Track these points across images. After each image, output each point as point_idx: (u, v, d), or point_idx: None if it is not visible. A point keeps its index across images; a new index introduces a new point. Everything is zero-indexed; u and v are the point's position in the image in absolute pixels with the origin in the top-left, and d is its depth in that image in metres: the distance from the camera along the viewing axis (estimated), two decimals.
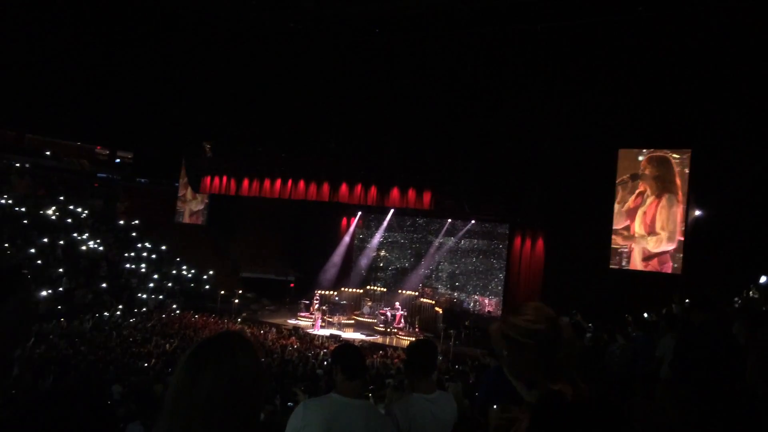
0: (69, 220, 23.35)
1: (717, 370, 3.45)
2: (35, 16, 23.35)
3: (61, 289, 19.12)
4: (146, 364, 13.28)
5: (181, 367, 1.37)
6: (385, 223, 25.97)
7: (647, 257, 17.42)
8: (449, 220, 24.44)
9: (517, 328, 1.88)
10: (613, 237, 18.20)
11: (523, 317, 1.90)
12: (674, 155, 17.56)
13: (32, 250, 20.15)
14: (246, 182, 22.89)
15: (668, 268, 17.25)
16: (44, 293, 18.44)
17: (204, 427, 1.31)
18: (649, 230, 17.49)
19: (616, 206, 18.08)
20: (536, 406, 1.73)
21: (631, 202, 17.83)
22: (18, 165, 24.90)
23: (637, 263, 17.66)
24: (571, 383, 1.80)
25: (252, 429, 1.40)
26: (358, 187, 20.91)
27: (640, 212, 17.68)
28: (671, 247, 17.20)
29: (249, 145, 23.76)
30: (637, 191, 17.92)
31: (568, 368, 1.86)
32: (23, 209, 22.22)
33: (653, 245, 17.40)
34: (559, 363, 1.84)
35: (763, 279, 9.97)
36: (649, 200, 17.56)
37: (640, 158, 18.07)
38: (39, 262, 20.03)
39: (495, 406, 1.86)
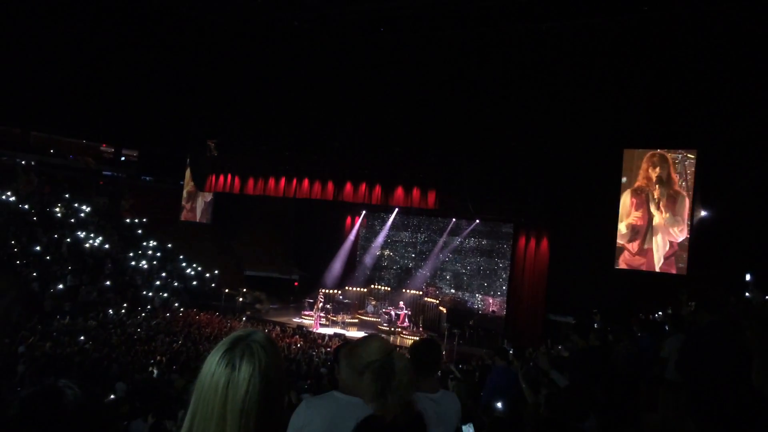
0: (73, 219, 23.41)
1: (723, 371, 3.43)
2: (41, 15, 23.42)
3: (61, 286, 19.15)
4: (152, 361, 13.30)
5: (214, 366, 1.36)
6: (390, 222, 25.97)
7: (667, 256, 17.36)
8: (453, 220, 24.41)
9: (358, 357, 2.29)
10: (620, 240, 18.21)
11: (363, 349, 2.30)
12: (672, 154, 17.54)
13: (38, 248, 20.20)
14: (251, 181, 22.91)
15: (674, 267, 17.24)
16: (49, 290, 18.51)
17: (240, 424, 1.31)
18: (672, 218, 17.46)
19: (631, 220, 17.98)
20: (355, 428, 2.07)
21: (639, 215, 17.71)
22: (23, 163, 24.98)
23: (654, 265, 17.61)
24: (402, 406, 2.11)
25: (279, 424, 1.41)
26: (363, 186, 20.90)
27: (657, 215, 17.64)
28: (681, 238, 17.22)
29: (253, 143, 23.78)
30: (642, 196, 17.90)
31: (402, 393, 2.16)
32: (28, 207, 22.28)
33: (678, 233, 17.33)
34: (393, 389, 2.15)
35: (747, 277, 9.91)
36: (664, 199, 17.47)
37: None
38: (48, 258, 20.08)
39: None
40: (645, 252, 17.66)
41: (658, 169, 17.57)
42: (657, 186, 17.58)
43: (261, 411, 1.34)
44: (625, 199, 17.98)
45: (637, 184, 17.83)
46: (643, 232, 17.61)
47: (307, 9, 20.00)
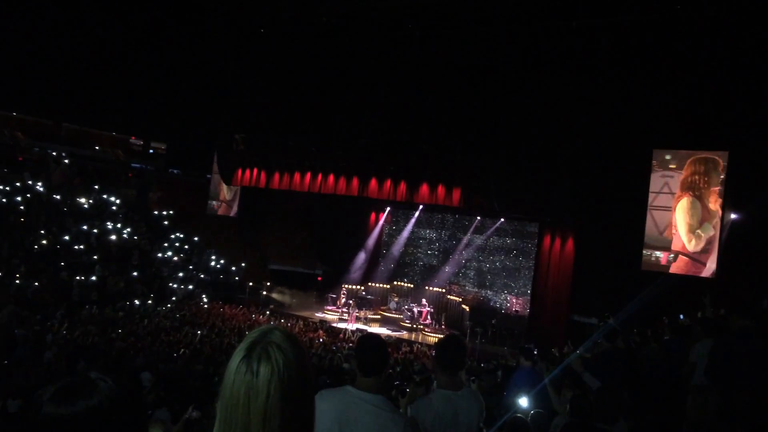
0: (103, 210, 23.78)
1: (756, 377, 3.36)
2: (72, 8, 23.77)
3: (94, 278, 19.48)
4: (175, 354, 13.45)
5: (233, 374, 1.34)
6: (414, 219, 25.91)
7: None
8: (478, 218, 24.28)
9: None
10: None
11: None
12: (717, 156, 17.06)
13: (67, 237, 20.57)
14: (276, 175, 23.02)
15: (700, 271, 16.87)
16: (78, 278, 18.84)
17: (263, 429, 1.30)
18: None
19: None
20: None
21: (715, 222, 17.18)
22: (55, 154, 25.41)
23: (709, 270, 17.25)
24: None
25: (308, 422, 1.39)
26: (388, 183, 20.88)
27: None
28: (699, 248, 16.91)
29: (280, 138, 23.89)
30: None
31: None
32: (59, 197, 22.68)
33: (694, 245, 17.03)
34: None
35: None
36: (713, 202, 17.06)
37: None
38: (77, 247, 20.44)
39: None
40: (710, 259, 17.08)
41: (710, 172, 17.09)
42: (710, 189, 17.10)
43: (284, 413, 1.31)
44: (692, 205, 17.34)
45: (693, 187, 17.29)
46: (716, 238, 17.01)
47: (335, 4, 20.02)
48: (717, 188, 16.93)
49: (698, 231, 17.10)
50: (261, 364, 1.33)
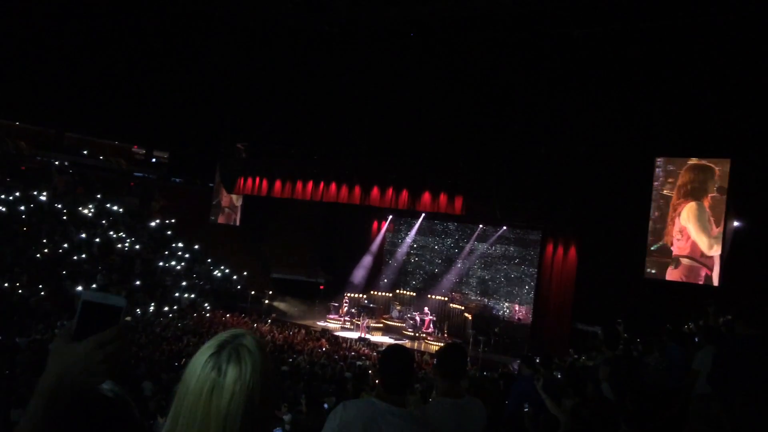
0: (104, 220, 23.78)
1: (759, 384, 3.34)
2: (76, 18, 23.88)
3: (94, 285, 19.45)
4: (177, 364, 13.42)
5: (199, 370, 1.30)
6: (416, 227, 25.90)
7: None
8: (481, 226, 24.26)
9: None
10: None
11: None
12: (713, 164, 17.05)
13: (65, 245, 20.57)
14: (278, 184, 23.06)
15: (701, 279, 16.82)
16: (80, 287, 18.82)
17: (225, 426, 1.27)
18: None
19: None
20: None
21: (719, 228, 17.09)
22: (57, 162, 25.46)
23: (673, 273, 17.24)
24: None
25: (268, 427, 1.36)
26: (390, 191, 20.90)
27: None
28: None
29: (282, 146, 23.94)
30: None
31: None
32: (61, 206, 22.70)
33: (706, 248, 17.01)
34: None
35: None
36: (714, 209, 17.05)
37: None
38: (76, 257, 20.43)
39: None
40: (713, 265, 17.03)
41: (707, 180, 17.09)
42: (708, 196, 17.09)
43: (245, 418, 1.28)
44: (700, 209, 17.30)
45: (694, 194, 17.30)
46: (720, 244, 16.95)
47: (338, 13, 20.10)
48: (713, 195, 16.97)
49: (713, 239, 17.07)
50: (230, 364, 1.29)
